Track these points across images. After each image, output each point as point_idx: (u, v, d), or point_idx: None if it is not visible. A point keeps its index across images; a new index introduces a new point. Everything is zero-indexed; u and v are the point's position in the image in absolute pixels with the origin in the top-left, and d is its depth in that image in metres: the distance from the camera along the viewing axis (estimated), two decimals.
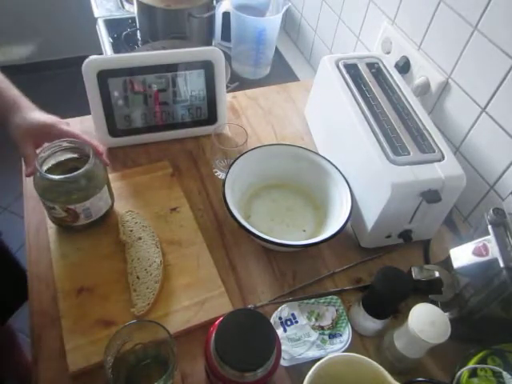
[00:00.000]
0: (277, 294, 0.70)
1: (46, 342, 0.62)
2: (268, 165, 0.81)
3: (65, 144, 0.68)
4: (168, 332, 0.52)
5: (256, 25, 1.09)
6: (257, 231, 0.68)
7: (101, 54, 1.25)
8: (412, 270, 0.68)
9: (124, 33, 1.30)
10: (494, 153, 0.76)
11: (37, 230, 0.74)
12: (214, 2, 1.27)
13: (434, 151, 0.70)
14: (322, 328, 0.65)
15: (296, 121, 1.00)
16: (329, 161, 0.79)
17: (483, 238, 0.60)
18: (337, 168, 0.78)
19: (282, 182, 0.83)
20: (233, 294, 0.69)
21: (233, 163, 0.76)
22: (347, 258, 0.76)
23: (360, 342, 0.67)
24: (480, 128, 0.78)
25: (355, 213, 0.74)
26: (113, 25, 1.36)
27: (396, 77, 0.83)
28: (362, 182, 0.74)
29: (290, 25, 1.39)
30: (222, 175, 0.85)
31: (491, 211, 0.60)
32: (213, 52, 0.84)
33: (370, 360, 0.52)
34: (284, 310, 0.66)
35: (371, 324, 0.65)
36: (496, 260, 0.57)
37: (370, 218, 0.72)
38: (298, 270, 0.74)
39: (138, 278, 0.67)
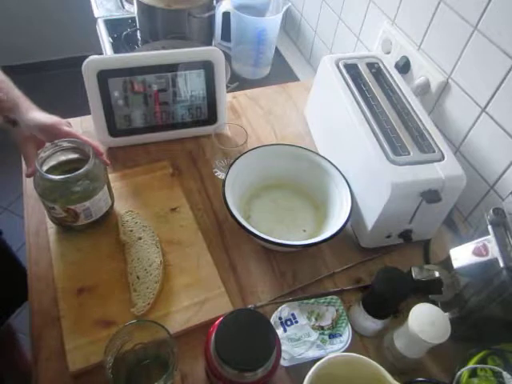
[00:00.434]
0: (277, 294, 0.70)
1: (46, 341, 0.62)
2: (268, 165, 0.81)
3: (65, 144, 0.68)
4: (168, 332, 0.52)
5: (256, 25, 1.09)
6: (257, 231, 0.68)
7: (101, 54, 1.25)
8: (412, 269, 0.68)
9: (124, 33, 1.30)
10: (494, 153, 0.76)
11: (37, 230, 0.74)
12: (214, 2, 1.27)
13: (434, 151, 0.70)
14: (322, 328, 0.65)
15: (296, 121, 1.00)
16: (329, 161, 0.79)
17: (483, 238, 0.60)
18: (337, 168, 0.78)
19: (281, 182, 0.83)
20: (233, 294, 0.69)
21: (233, 163, 0.76)
22: (347, 257, 0.76)
23: (360, 341, 0.67)
24: (480, 128, 0.78)
25: (355, 213, 0.74)
26: (113, 25, 1.36)
27: (396, 77, 0.83)
28: (362, 181, 0.74)
29: (290, 25, 1.39)
30: (221, 175, 0.85)
31: (491, 211, 0.60)
32: (213, 52, 0.84)
33: (369, 360, 0.52)
34: (284, 310, 0.66)
35: (371, 324, 0.65)
36: (496, 260, 0.57)
37: (370, 218, 0.72)
38: (297, 270, 0.74)
39: (137, 278, 0.67)
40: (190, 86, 0.85)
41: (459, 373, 0.58)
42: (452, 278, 0.67)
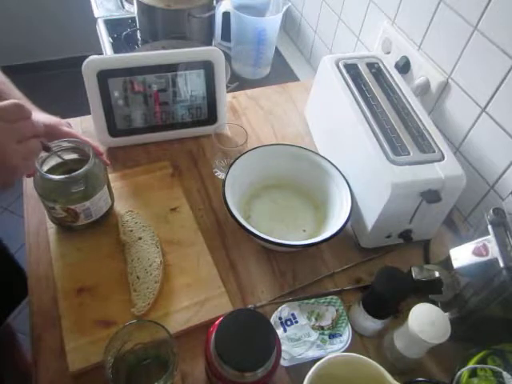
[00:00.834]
0: (277, 294, 0.70)
1: (46, 341, 0.62)
2: (268, 165, 0.81)
3: (65, 144, 0.67)
4: (168, 332, 0.52)
5: (256, 25, 1.09)
6: (257, 231, 0.68)
7: (101, 54, 1.25)
8: (412, 269, 0.68)
9: (124, 33, 1.30)
10: (494, 153, 0.76)
11: (37, 230, 0.74)
12: (214, 2, 1.27)
13: (434, 151, 0.70)
14: (322, 328, 0.65)
15: (296, 121, 1.00)
16: (329, 161, 0.79)
17: (483, 238, 0.60)
18: (337, 168, 0.78)
19: (281, 182, 0.83)
20: (233, 294, 0.69)
21: (233, 163, 0.76)
22: (347, 257, 0.76)
23: (360, 341, 0.67)
24: (480, 128, 0.78)
25: (355, 213, 0.74)
26: (113, 25, 1.36)
27: (396, 77, 0.83)
28: (362, 181, 0.74)
29: (290, 25, 1.39)
30: (221, 175, 0.85)
31: (491, 211, 0.60)
32: (213, 52, 0.84)
33: (370, 360, 0.52)
34: (284, 310, 0.66)
35: (371, 324, 0.65)
36: (496, 260, 0.57)
37: (370, 217, 0.72)
38: (297, 270, 0.74)
39: (137, 278, 0.67)
40: (190, 85, 0.85)
41: (459, 373, 0.57)
42: (452, 278, 0.67)
